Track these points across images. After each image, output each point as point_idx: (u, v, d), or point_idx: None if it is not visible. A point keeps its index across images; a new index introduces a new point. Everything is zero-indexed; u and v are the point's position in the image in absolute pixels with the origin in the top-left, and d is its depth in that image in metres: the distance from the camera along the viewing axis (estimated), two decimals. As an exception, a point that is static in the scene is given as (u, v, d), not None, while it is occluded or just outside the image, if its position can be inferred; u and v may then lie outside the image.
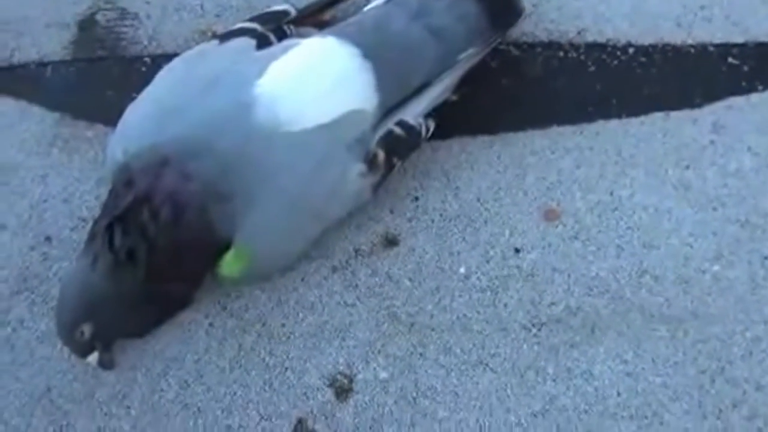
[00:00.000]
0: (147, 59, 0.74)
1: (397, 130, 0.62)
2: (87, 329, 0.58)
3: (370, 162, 0.61)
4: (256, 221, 0.57)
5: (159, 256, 0.57)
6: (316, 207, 0.60)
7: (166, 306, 0.62)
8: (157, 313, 0.62)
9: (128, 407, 0.61)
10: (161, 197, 0.56)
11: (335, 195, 0.61)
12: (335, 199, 0.61)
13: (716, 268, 0.62)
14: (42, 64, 0.75)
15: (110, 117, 0.66)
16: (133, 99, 0.63)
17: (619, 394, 0.59)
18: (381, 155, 0.61)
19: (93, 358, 0.60)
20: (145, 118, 0.60)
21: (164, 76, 0.63)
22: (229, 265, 0.59)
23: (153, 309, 0.61)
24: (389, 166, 0.62)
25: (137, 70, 0.73)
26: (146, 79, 0.64)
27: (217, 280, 0.61)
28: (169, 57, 0.66)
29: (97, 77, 0.73)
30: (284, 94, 0.59)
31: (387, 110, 0.62)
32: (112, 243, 0.56)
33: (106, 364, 0.61)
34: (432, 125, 0.64)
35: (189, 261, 0.58)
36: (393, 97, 0.62)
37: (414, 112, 0.63)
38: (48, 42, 0.76)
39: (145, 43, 0.75)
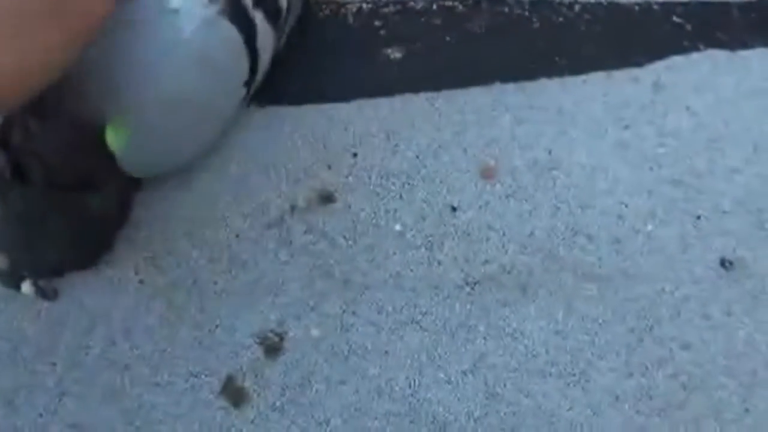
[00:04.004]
0: None
1: None
2: (1, 259, 0.57)
3: None
4: (126, 93, 0.54)
5: (45, 165, 0.54)
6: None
7: (85, 218, 0.59)
8: (80, 229, 0.59)
9: (53, 364, 0.60)
10: (25, 111, 0.53)
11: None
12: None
13: (649, 227, 0.62)
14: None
15: None
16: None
17: (548, 353, 0.59)
18: None
19: (27, 288, 0.59)
20: None
21: None
22: (111, 138, 0.55)
23: (72, 226, 0.58)
24: None
25: None
26: None
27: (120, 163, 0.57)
28: None
29: None
30: None
31: None
32: None
33: (46, 294, 0.60)
34: None
35: (77, 157, 0.56)
36: None
37: None
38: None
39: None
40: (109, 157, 0.56)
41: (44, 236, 0.58)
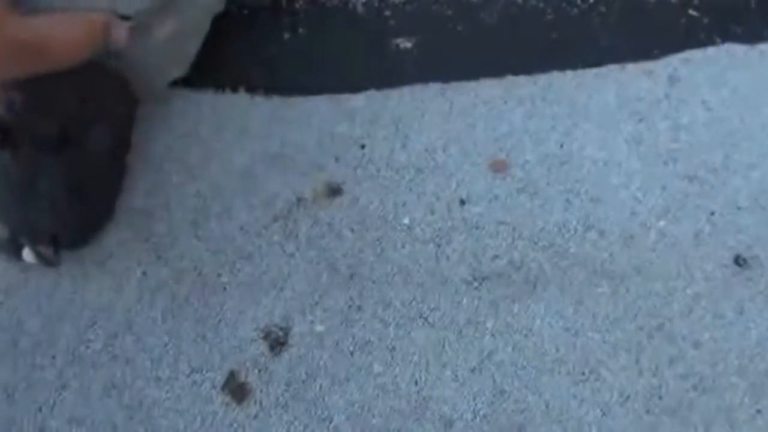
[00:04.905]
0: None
1: None
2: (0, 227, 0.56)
3: None
4: None
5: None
6: None
7: (76, 180, 0.58)
8: (72, 192, 0.58)
9: (53, 357, 0.59)
10: None
11: None
12: None
13: (662, 223, 0.61)
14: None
15: None
16: None
17: (557, 350, 0.58)
18: None
19: (28, 255, 0.58)
20: None
21: None
22: None
23: (63, 188, 0.58)
24: None
25: None
26: None
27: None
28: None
29: None
30: None
31: None
32: None
33: (47, 260, 0.58)
34: None
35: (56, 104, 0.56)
36: None
37: None
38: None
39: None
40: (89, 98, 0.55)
41: (37, 200, 0.57)
